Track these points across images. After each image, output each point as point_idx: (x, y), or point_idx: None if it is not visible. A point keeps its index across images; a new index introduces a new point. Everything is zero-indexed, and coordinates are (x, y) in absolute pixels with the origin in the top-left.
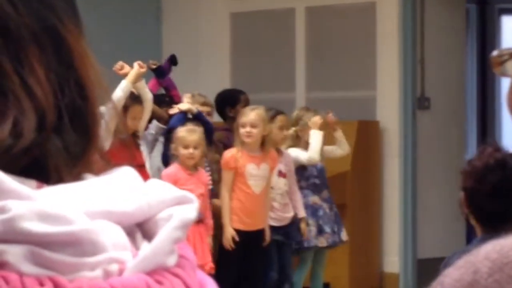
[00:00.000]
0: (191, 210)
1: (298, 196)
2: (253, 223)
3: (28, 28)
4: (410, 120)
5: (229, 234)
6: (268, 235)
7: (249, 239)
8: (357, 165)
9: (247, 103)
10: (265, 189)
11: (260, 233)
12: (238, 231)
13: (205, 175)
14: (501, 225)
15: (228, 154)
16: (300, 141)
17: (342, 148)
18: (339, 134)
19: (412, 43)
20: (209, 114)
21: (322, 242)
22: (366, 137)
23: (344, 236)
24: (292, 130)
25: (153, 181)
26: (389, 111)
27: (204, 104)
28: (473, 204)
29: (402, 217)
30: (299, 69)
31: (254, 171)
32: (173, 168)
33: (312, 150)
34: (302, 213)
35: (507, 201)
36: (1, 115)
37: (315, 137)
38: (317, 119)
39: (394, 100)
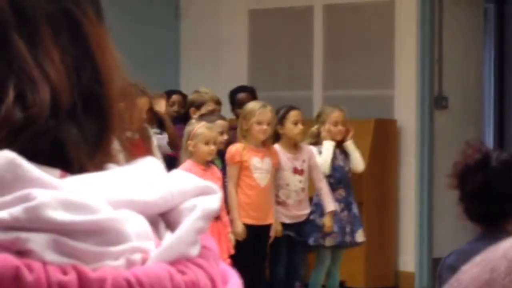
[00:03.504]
0: (214, 200)
1: (326, 189)
2: (261, 217)
3: (43, 11)
4: (427, 119)
5: (239, 228)
6: (274, 231)
7: (259, 233)
8: (374, 164)
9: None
10: (269, 183)
11: (269, 227)
12: (247, 226)
13: (217, 171)
14: (493, 224)
15: (233, 148)
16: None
17: (354, 163)
18: (349, 145)
19: (430, 42)
20: (218, 110)
21: (329, 241)
22: (383, 135)
23: (359, 237)
24: (314, 128)
25: (176, 172)
26: (406, 110)
27: (217, 102)
28: (461, 204)
29: (418, 216)
30: (317, 67)
31: (258, 164)
32: (187, 164)
33: (322, 162)
34: (330, 206)
35: (489, 201)
36: (5, 89)
37: (326, 148)
38: (329, 128)
39: (411, 99)
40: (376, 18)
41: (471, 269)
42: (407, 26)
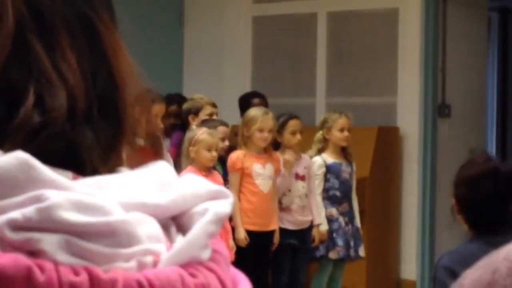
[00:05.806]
0: (226, 204)
1: (314, 202)
2: (265, 223)
3: (61, 15)
4: (430, 127)
5: (241, 235)
6: (277, 238)
7: (262, 240)
8: (376, 171)
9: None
10: (272, 189)
11: (273, 234)
12: (251, 233)
13: (219, 177)
14: (493, 230)
15: (234, 156)
16: (328, 144)
17: None
18: None
19: (434, 50)
20: (215, 113)
21: (334, 254)
22: (386, 143)
23: (362, 252)
24: (319, 134)
25: (188, 176)
26: (409, 118)
27: (213, 105)
28: (466, 211)
29: (420, 224)
30: (320, 74)
31: (260, 171)
32: (189, 170)
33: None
34: (317, 220)
35: (499, 208)
36: (25, 92)
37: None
38: (335, 134)
39: (414, 106)
40: (380, 25)
41: (474, 273)
42: (410, 34)
